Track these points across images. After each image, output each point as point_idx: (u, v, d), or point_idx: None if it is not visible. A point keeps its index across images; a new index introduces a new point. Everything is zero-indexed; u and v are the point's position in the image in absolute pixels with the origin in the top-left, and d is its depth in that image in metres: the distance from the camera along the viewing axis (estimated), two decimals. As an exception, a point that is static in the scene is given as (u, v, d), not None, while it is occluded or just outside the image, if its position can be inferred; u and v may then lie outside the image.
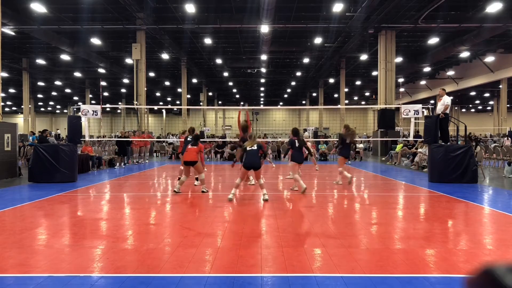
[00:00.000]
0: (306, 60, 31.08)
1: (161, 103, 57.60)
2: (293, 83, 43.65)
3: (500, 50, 27.60)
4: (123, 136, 17.43)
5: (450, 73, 35.67)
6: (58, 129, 44.85)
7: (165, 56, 28.88)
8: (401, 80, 33.80)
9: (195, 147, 9.01)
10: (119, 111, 54.03)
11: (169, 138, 30.99)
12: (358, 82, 40.80)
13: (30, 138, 20.52)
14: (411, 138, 14.44)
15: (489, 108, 54.38)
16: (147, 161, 19.38)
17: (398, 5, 18.07)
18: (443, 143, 11.36)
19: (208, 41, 24.86)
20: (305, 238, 5.08)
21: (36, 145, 11.33)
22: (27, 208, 7.26)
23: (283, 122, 51.53)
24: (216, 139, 25.33)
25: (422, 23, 20.05)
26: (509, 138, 23.75)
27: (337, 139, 10.35)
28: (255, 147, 8.02)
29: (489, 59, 28.73)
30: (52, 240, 4.98)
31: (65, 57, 28.74)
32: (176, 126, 50.64)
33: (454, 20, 20.40)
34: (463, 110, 55.96)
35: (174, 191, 8.91)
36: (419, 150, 15.64)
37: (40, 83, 40.67)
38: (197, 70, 35.83)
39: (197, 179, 10.27)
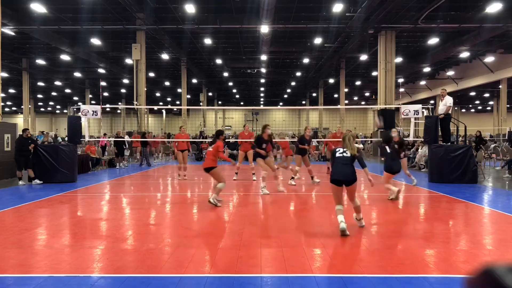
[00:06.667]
0: (306, 60, 31.04)
1: (161, 103, 57.56)
2: (293, 83, 43.60)
3: (500, 50, 27.56)
4: (119, 136, 17.40)
5: (450, 73, 35.65)
6: (57, 129, 44.77)
7: (165, 56, 28.87)
8: (401, 80, 33.74)
9: (210, 149, 7.55)
10: (119, 111, 53.99)
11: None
12: (358, 82, 40.76)
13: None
14: (411, 138, 14.44)
15: (489, 108, 54.36)
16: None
17: (398, 5, 18.06)
18: (443, 143, 11.36)
19: (208, 41, 24.85)
20: (305, 238, 5.08)
21: (36, 145, 11.32)
22: (27, 208, 7.25)
23: (283, 122, 51.51)
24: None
25: (422, 23, 20.03)
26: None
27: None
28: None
29: (489, 59, 28.70)
30: (52, 240, 4.98)
31: (65, 57, 28.71)
32: (176, 127, 50.52)
33: (454, 20, 20.38)
34: (463, 110, 55.93)
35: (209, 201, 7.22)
36: (419, 150, 15.64)
37: (40, 83, 40.62)
38: (197, 70, 35.80)
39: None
